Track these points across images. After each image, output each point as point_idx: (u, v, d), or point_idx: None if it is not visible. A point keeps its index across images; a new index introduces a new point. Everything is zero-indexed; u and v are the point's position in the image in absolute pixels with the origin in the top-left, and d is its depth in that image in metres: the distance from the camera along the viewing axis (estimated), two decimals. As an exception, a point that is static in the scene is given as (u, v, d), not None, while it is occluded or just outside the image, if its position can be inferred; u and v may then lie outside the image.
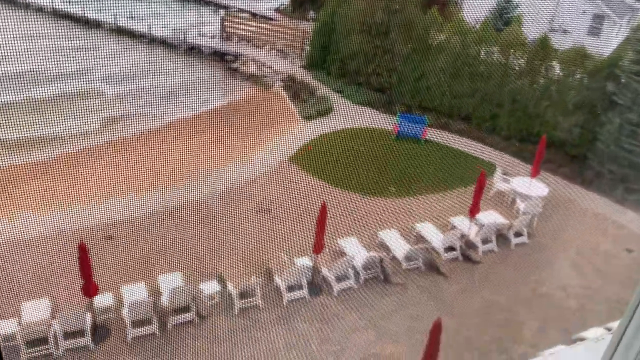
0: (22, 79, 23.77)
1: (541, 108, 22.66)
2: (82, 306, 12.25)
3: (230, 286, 13.57)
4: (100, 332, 12.45)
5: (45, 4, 34.51)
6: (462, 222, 17.03)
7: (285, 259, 14.94)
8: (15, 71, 23.73)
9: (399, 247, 15.73)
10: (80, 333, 12.02)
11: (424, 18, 25.95)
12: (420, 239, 16.62)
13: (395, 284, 14.81)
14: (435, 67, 24.96)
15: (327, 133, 23.92)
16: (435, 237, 16.39)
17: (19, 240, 15.20)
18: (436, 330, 9.48)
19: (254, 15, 37.52)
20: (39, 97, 23.91)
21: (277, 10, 40.23)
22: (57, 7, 34.46)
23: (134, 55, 31.57)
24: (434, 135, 23.97)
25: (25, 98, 23.56)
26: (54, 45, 26.67)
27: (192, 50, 32.35)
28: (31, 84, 24.36)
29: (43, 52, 25.36)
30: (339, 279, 14.44)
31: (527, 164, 21.14)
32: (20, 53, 23.40)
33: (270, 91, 28.58)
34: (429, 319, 13.03)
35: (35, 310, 12.30)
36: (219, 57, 31.97)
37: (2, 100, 22.81)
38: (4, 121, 21.41)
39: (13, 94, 23.12)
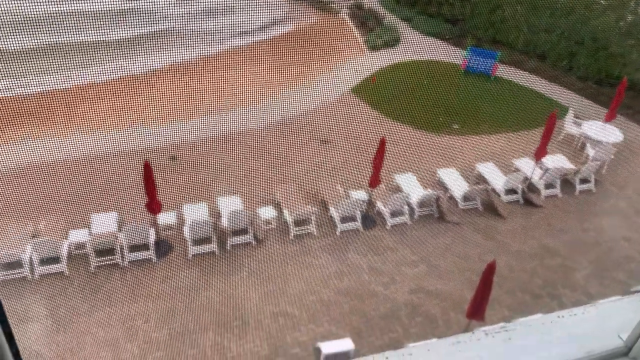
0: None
1: (625, 47, 21.02)
2: (147, 222, 12.90)
3: (286, 212, 13.89)
4: (163, 247, 13.14)
5: None
6: (526, 165, 16.47)
7: (340, 191, 15.04)
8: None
9: (458, 186, 15.47)
10: (144, 247, 12.74)
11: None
12: (480, 179, 16.25)
13: (451, 222, 14.69)
14: (512, -2, 23.47)
15: (392, 64, 23.25)
16: (496, 178, 15.97)
17: (91, 155, 16.00)
18: (490, 271, 9.42)
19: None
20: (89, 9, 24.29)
21: None
22: None
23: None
24: (505, 72, 22.86)
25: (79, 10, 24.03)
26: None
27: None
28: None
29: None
30: (394, 214, 14.46)
31: (603, 109, 19.92)
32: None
33: (336, 18, 27.83)
34: (482, 259, 12.99)
35: (104, 222, 13.09)
36: (286, -19, 31.21)
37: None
38: (75, 41, 22.03)
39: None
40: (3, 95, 19.27)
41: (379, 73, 22.54)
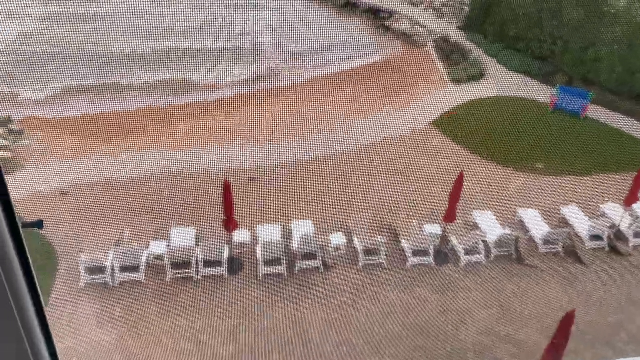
0: (192, 30, 25.72)
1: None
2: (222, 238, 13.28)
3: (356, 241, 13.84)
4: (235, 264, 13.46)
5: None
6: (614, 211, 15.52)
7: (414, 223, 14.82)
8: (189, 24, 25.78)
9: (539, 228, 14.81)
10: (218, 263, 13.10)
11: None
12: (563, 222, 15.48)
13: (529, 266, 14.05)
14: (608, 37, 22.45)
15: (476, 99, 22.86)
16: (580, 222, 15.15)
17: (177, 171, 16.78)
18: (568, 321, 8.89)
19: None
20: (195, 46, 25.71)
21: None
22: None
23: (289, 6, 32.39)
24: (596, 112, 21.83)
25: (188, 47, 25.49)
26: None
27: (347, 6, 32.37)
28: (194, 34, 26.27)
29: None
30: (468, 251, 14.03)
31: None
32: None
33: (421, 51, 27.83)
34: (561, 307, 12.28)
35: (183, 236, 13.61)
36: (373, 13, 31.66)
37: (175, 46, 24.91)
38: (173, 65, 23.41)
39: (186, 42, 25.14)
40: (100, 112, 20.75)
41: (462, 107, 22.20)
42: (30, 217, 14.23)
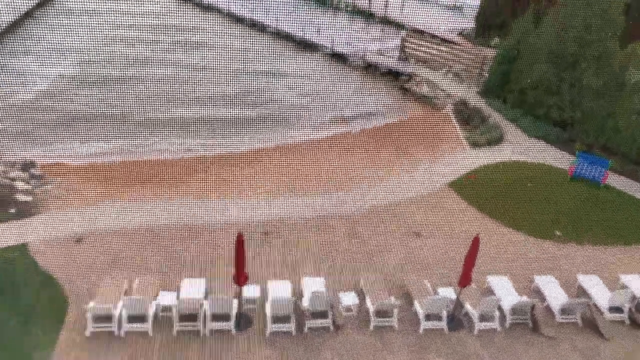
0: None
1: None
2: (232, 292, 13.13)
3: (368, 301, 13.57)
4: (243, 320, 13.23)
5: (243, 15, 38.02)
6: (635, 282, 15.05)
7: (428, 286, 14.52)
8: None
9: (556, 296, 14.39)
10: (226, 317, 12.89)
11: (622, 52, 23.60)
12: (581, 291, 15.04)
13: (545, 336, 13.56)
14: (628, 107, 22.51)
15: (494, 163, 22.86)
16: (600, 293, 14.70)
17: (190, 222, 16.85)
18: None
19: (434, 37, 37.32)
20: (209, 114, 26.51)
21: (459, 34, 39.58)
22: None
23: (313, 66, 33.33)
24: (616, 181, 21.62)
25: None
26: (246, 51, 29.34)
27: (368, 68, 33.15)
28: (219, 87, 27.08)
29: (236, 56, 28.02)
30: (483, 318, 13.64)
31: None
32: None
33: (440, 114, 28.15)
34: (578, 382, 11.75)
35: (193, 288, 13.47)
36: (394, 76, 32.34)
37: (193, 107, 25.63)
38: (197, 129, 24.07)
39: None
40: (120, 160, 21.20)
41: (480, 170, 22.19)
42: (44, 263, 14.28)
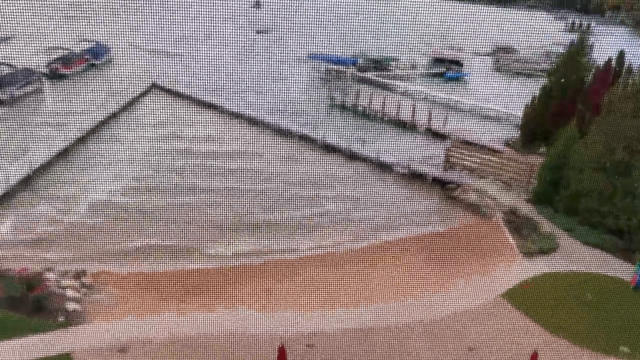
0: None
1: None
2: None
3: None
4: None
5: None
6: None
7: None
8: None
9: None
10: None
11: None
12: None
13: None
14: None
15: (549, 273, 21.90)
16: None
17: (233, 333, 16.55)
18: None
19: (480, 146, 37.69)
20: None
21: (506, 143, 39.86)
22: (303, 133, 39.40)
23: (359, 175, 33.94)
24: (686, 293, 20.20)
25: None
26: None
27: (414, 176, 33.45)
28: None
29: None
30: None
31: None
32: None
33: (489, 222, 27.64)
34: None
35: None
36: (440, 184, 32.43)
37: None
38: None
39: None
40: (166, 270, 21.51)
41: (534, 280, 21.26)
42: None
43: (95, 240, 23.63)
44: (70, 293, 18.07)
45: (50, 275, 19.03)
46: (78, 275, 19.41)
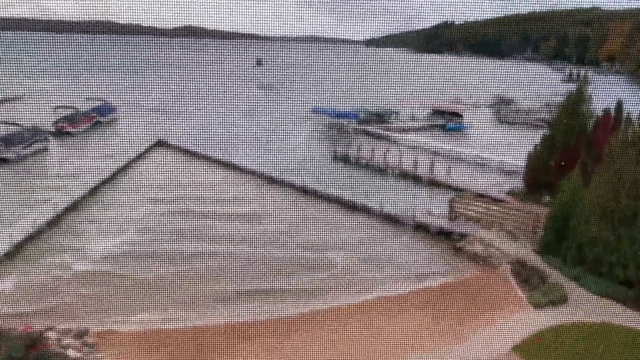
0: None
1: None
2: None
3: None
4: None
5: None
6: None
7: None
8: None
9: None
10: None
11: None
12: None
13: None
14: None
15: (560, 325, 21.41)
16: None
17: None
18: None
19: (483, 196, 37.67)
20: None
21: (509, 193, 39.82)
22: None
23: (365, 227, 33.80)
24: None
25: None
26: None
27: (419, 229, 33.28)
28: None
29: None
30: None
31: None
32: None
33: (496, 273, 27.27)
34: None
35: None
36: (445, 235, 32.21)
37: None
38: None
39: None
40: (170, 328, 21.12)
41: (546, 332, 20.76)
42: None
43: (99, 299, 23.35)
44: (71, 353, 17.71)
45: (51, 334, 18.71)
46: (80, 334, 19.08)
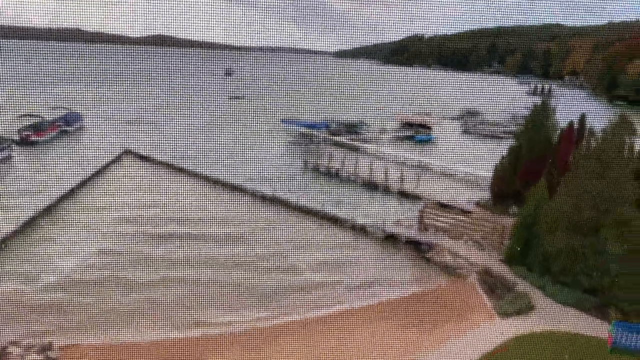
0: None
1: None
2: None
3: None
4: None
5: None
6: None
7: None
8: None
9: None
10: None
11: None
12: None
13: None
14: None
15: (526, 334, 21.66)
16: None
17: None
18: None
19: (452, 207, 38.07)
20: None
21: (477, 203, 40.34)
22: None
23: (335, 237, 33.77)
24: (662, 351, 20.10)
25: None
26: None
27: (389, 239, 33.42)
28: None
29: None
30: None
31: None
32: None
33: (464, 283, 27.53)
34: None
35: None
36: (414, 245, 32.41)
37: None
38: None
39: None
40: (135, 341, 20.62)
41: (511, 342, 20.97)
42: None
43: (64, 312, 22.68)
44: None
45: (14, 349, 18.07)
46: (44, 348, 18.47)
